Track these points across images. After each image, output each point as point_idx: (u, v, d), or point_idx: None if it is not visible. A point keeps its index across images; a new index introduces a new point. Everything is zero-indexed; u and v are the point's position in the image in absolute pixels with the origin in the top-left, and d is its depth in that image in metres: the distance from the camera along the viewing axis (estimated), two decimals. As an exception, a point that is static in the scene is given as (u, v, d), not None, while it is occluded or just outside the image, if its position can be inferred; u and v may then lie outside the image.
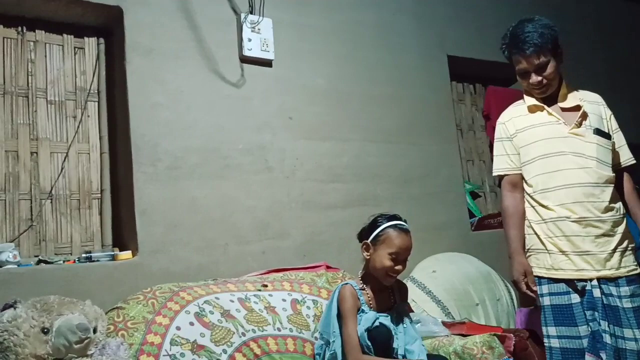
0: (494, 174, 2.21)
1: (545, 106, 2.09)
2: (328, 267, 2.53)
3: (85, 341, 1.73)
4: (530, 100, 2.13)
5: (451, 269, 2.91)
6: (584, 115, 2.05)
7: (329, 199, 2.84)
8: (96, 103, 2.56)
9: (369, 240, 1.97)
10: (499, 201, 3.81)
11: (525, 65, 2.04)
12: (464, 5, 3.64)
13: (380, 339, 1.89)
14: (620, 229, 1.99)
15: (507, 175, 2.16)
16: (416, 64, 3.34)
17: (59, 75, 2.49)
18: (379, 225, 1.97)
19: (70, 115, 2.49)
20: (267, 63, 2.75)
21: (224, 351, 1.94)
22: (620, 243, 1.97)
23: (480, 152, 3.87)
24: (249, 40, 2.67)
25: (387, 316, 1.96)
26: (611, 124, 2.12)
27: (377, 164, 3.04)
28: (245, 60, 2.69)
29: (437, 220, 3.19)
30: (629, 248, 2.00)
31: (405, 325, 1.98)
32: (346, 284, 2.00)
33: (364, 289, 1.99)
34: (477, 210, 3.61)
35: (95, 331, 1.79)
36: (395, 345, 1.92)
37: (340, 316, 1.94)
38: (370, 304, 1.98)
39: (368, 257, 1.98)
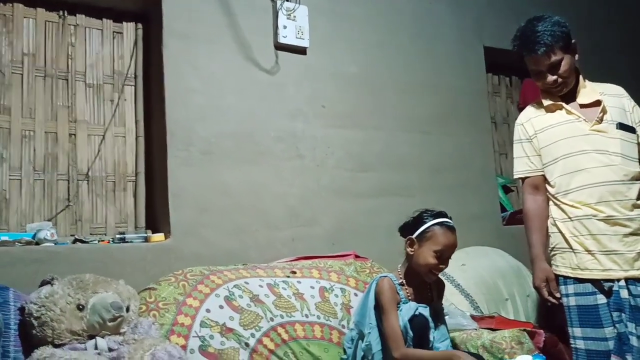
0: (515, 176, 2.16)
1: (564, 104, 2.03)
2: (357, 256, 2.53)
3: (119, 319, 1.77)
4: (548, 100, 2.07)
5: (481, 262, 2.87)
6: (604, 110, 1.98)
7: (360, 187, 2.83)
8: (133, 87, 2.60)
9: (414, 236, 1.94)
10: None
11: (538, 65, 2.00)
12: (501, -6, 3.56)
13: (418, 329, 1.88)
14: None
15: (527, 177, 2.11)
16: (452, 54, 3.28)
17: (97, 59, 2.54)
18: (425, 222, 1.93)
19: (108, 99, 2.54)
20: (301, 51, 2.75)
21: (252, 335, 1.97)
22: None
23: (515, 145, 3.79)
24: (285, 27, 2.67)
25: (425, 307, 1.95)
26: (635, 115, 2.03)
27: (409, 153, 3.01)
28: (280, 47, 2.69)
29: (468, 212, 3.14)
30: None
31: (440, 323, 1.97)
32: (384, 276, 1.97)
33: (403, 285, 1.97)
34: (509, 204, 3.55)
35: (128, 310, 1.83)
36: (431, 337, 1.91)
37: (377, 308, 1.92)
38: (410, 299, 1.96)
39: (412, 253, 1.95)
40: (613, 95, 2.04)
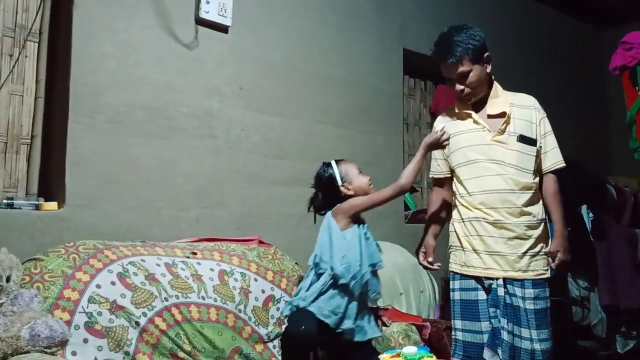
0: (431, 175, 2.32)
1: (473, 112, 2.13)
2: (261, 242, 2.53)
3: (-4, 289, 1.65)
4: (460, 106, 2.17)
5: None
6: (508, 122, 2.09)
7: (272, 174, 2.82)
8: (36, 44, 2.41)
9: (341, 183, 2.11)
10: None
11: (447, 73, 2.09)
12: (426, 1, 3.68)
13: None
14: (535, 233, 2.05)
15: (434, 177, 2.29)
16: (373, 53, 3.35)
17: (-2, 8, 2.33)
18: (332, 168, 2.14)
19: (7, 53, 2.34)
20: (223, 29, 2.68)
21: (144, 314, 1.91)
22: (532, 247, 2.04)
23: (424, 148, 3.96)
24: (207, 2, 2.59)
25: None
26: (541, 127, 2.14)
27: (324, 145, 3.05)
28: (200, 22, 2.61)
29: (374, 209, 3.23)
30: (542, 252, 2.06)
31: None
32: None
33: None
34: (412, 203, 3.70)
35: (8, 280, 1.71)
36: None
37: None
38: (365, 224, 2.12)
39: (352, 192, 2.11)
40: (523, 107, 2.14)
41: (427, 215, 2.30)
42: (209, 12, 2.59)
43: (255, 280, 2.29)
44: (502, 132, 2.08)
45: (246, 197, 2.71)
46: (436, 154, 2.25)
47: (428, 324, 2.32)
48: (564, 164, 2.14)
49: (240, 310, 2.16)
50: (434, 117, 3.81)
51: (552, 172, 2.13)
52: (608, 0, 4.59)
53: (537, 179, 2.10)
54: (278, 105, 2.89)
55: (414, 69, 3.79)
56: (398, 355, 1.70)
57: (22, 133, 2.35)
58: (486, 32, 2.12)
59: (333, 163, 2.16)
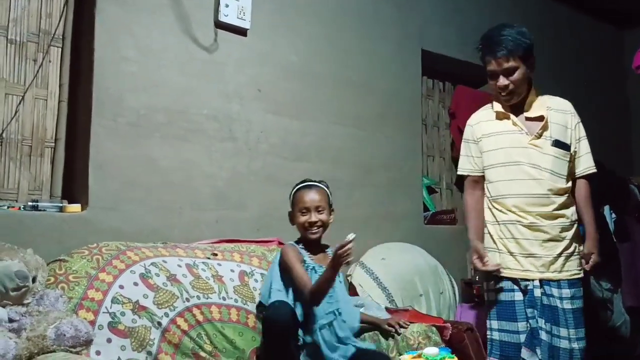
0: (459, 172, 2.30)
1: (512, 114, 2.14)
2: (280, 243, 2.53)
3: (23, 289, 1.68)
4: (498, 107, 2.17)
5: (400, 258, 2.96)
6: (546, 127, 2.10)
7: (290, 176, 2.82)
8: (60, 49, 2.45)
9: (290, 210, 2.16)
10: (453, 198, 3.92)
11: (495, 67, 2.08)
12: (446, 2, 3.67)
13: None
14: (569, 234, 2.08)
15: (469, 175, 2.24)
16: (392, 55, 3.34)
17: (22, 15, 2.37)
18: (291, 193, 2.18)
19: (31, 58, 2.38)
20: (242, 32, 2.70)
21: (166, 314, 1.93)
22: (566, 248, 2.07)
23: (442, 149, 3.94)
24: (226, 6, 2.61)
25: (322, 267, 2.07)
26: (576, 132, 2.16)
27: (342, 147, 3.05)
28: (220, 25, 2.63)
29: (393, 210, 3.24)
30: (575, 253, 2.10)
31: (340, 281, 2.10)
32: (285, 244, 2.14)
33: (304, 248, 2.11)
34: (431, 204, 3.68)
35: (34, 281, 1.74)
36: (332, 293, 2.00)
37: (283, 272, 2.02)
38: (313, 260, 2.08)
39: (293, 224, 2.15)
40: (559, 111, 2.16)
41: (466, 219, 2.27)
42: (228, 16, 2.61)
43: (275, 281, 2.30)
44: (539, 136, 2.09)
45: (265, 198, 2.73)
46: (472, 149, 2.23)
47: (449, 325, 2.31)
48: (595, 170, 2.16)
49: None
50: (452, 118, 3.80)
51: (584, 176, 2.15)
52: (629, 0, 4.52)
53: (569, 183, 2.11)
54: (296, 108, 2.89)
55: (432, 70, 3.78)
56: (419, 356, 1.70)
57: (46, 136, 2.39)
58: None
59: (293, 190, 2.17)
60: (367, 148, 3.16)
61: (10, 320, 1.62)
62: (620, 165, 4.30)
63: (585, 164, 2.16)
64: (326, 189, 2.17)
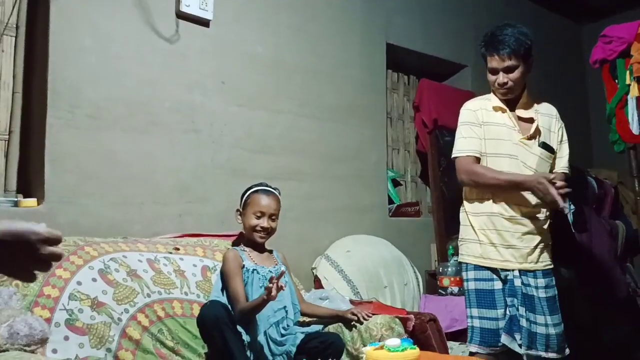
0: (465, 154, 2.20)
1: (508, 110, 2.22)
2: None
3: (-26, 287, 1.62)
4: (496, 101, 2.24)
5: (366, 250, 2.98)
6: (538, 131, 2.19)
7: (256, 168, 2.81)
8: (13, 38, 2.36)
9: (240, 207, 2.18)
10: (417, 191, 3.96)
11: (496, 64, 2.16)
12: (412, -4, 3.69)
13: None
14: (544, 228, 2.20)
15: (475, 156, 2.18)
16: (358, 47, 3.35)
17: (-27, 2, 2.28)
18: (246, 193, 2.19)
19: (-17, 47, 2.30)
20: (204, 22, 2.65)
21: (126, 310, 1.90)
22: (542, 241, 2.19)
23: (407, 142, 3.97)
24: (188, -5, 2.56)
25: (264, 267, 2.10)
26: (559, 135, 2.27)
27: (308, 139, 3.04)
28: (181, 16, 2.57)
29: (358, 202, 3.25)
30: (548, 244, 2.23)
31: (286, 281, 2.08)
32: (228, 249, 2.13)
33: (245, 250, 2.14)
34: (396, 197, 3.71)
35: (-14, 278, 1.68)
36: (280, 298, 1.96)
37: (224, 279, 2.04)
38: (254, 262, 2.10)
39: (240, 222, 2.17)
40: (544, 115, 2.26)
41: (497, 176, 2.12)
42: (189, 6, 2.56)
43: (239, 275, 2.28)
44: (530, 137, 2.18)
45: (230, 191, 2.69)
46: (477, 131, 2.19)
47: (412, 316, 2.34)
48: (568, 172, 2.26)
49: (223, 306, 2.15)
50: (416, 111, 3.83)
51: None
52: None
53: None
54: (261, 99, 2.87)
55: (397, 64, 3.80)
56: (381, 347, 1.71)
57: (0, 129, 2.31)
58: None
59: (249, 190, 2.19)
60: (332, 140, 3.16)
61: (-40, 320, 1.57)
62: (579, 157, 4.42)
63: (561, 164, 2.26)
64: (280, 197, 2.20)
